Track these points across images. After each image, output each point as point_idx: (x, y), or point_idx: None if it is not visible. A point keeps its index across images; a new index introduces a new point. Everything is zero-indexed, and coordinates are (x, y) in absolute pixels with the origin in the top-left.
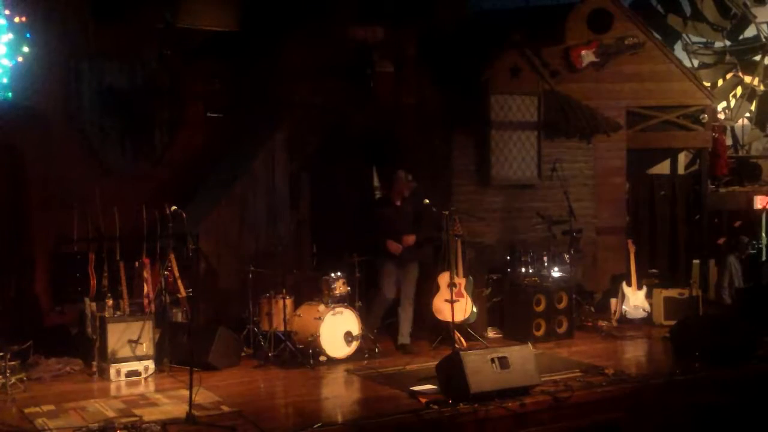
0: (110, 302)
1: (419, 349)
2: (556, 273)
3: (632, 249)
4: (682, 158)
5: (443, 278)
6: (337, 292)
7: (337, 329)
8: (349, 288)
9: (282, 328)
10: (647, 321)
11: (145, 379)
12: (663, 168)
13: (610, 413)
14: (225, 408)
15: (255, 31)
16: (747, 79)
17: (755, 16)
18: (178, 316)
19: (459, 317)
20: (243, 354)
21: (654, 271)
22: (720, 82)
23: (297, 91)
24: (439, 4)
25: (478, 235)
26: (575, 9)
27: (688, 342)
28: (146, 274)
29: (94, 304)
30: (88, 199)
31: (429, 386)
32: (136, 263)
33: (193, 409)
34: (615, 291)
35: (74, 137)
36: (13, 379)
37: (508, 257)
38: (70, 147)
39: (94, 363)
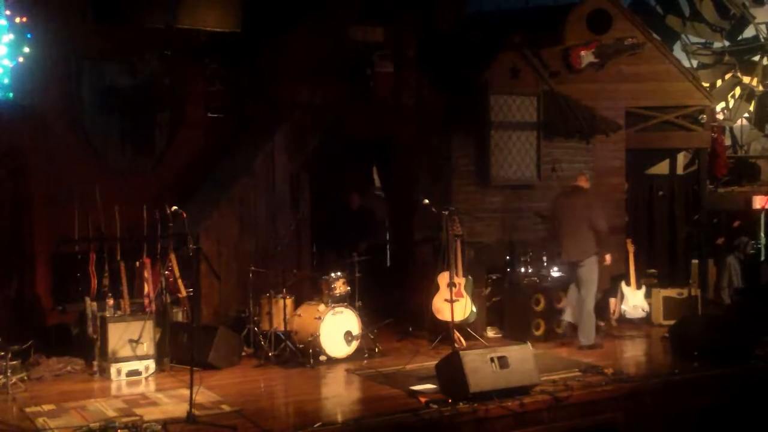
0: (111, 302)
1: (417, 348)
2: (555, 273)
3: (631, 249)
4: (681, 158)
5: (443, 278)
6: (337, 292)
7: (337, 329)
8: (349, 288)
9: (282, 328)
10: (646, 321)
11: (146, 378)
12: (662, 168)
13: (609, 413)
14: (225, 407)
15: (255, 31)
16: (746, 79)
17: (754, 17)
18: (179, 316)
19: (458, 317)
20: (243, 354)
21: (653, 270)
22: (719, 83)
23: (297, 91)
24: (439, 4)
25: (478, 235)
26: (574, 10)
27: (687, 342)
28: (147, 274)
29: (94, 304)
30: (88, 198)
31: (429, 386)
32: (137, 263)
33: (193, 409)
34: (614, 291)
35: (75, 137)
36: (14, 379)
37: (508, 257)
38: (70, 147)
39: (95, 362)
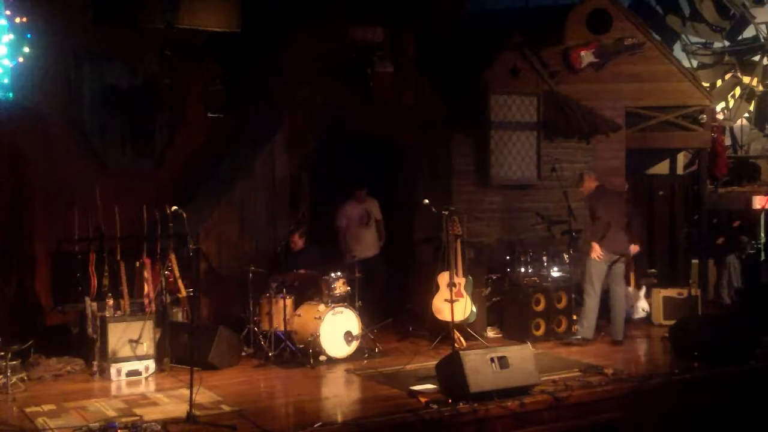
0: (111, 302)
1: (417, 348)
2: (555, 273)
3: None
4: (681, 158)
5: (443, 278)
6: (337, 292)
7: (337, 329)
8: (349, 288)
9: (282, 328)
10: (646, 321)
11: (146, 378)
12: (662, 168)
13: (609, 413)
14: (225, 407)
15: (255, 31)
16: (746, 79)
17: (754, 17)
18: (179, 316)
19: (459, 317)
20: (243, 354)
21: (653, 270)
22: (719, 83)
23: (297, 91)
24: (439, 4)
25: (478, 235)
26: (575, 10)
27: (687, 342)
28: (147, 274)
29: (94, 304)
30: (88, 198)
31: (429, 386)
32: (137, 263)
33: (193, 409)
34: None
35: (75, 137)
36: (14, 379)
37: (508, 257)
38: (70, 147)
39: (95, 362)
